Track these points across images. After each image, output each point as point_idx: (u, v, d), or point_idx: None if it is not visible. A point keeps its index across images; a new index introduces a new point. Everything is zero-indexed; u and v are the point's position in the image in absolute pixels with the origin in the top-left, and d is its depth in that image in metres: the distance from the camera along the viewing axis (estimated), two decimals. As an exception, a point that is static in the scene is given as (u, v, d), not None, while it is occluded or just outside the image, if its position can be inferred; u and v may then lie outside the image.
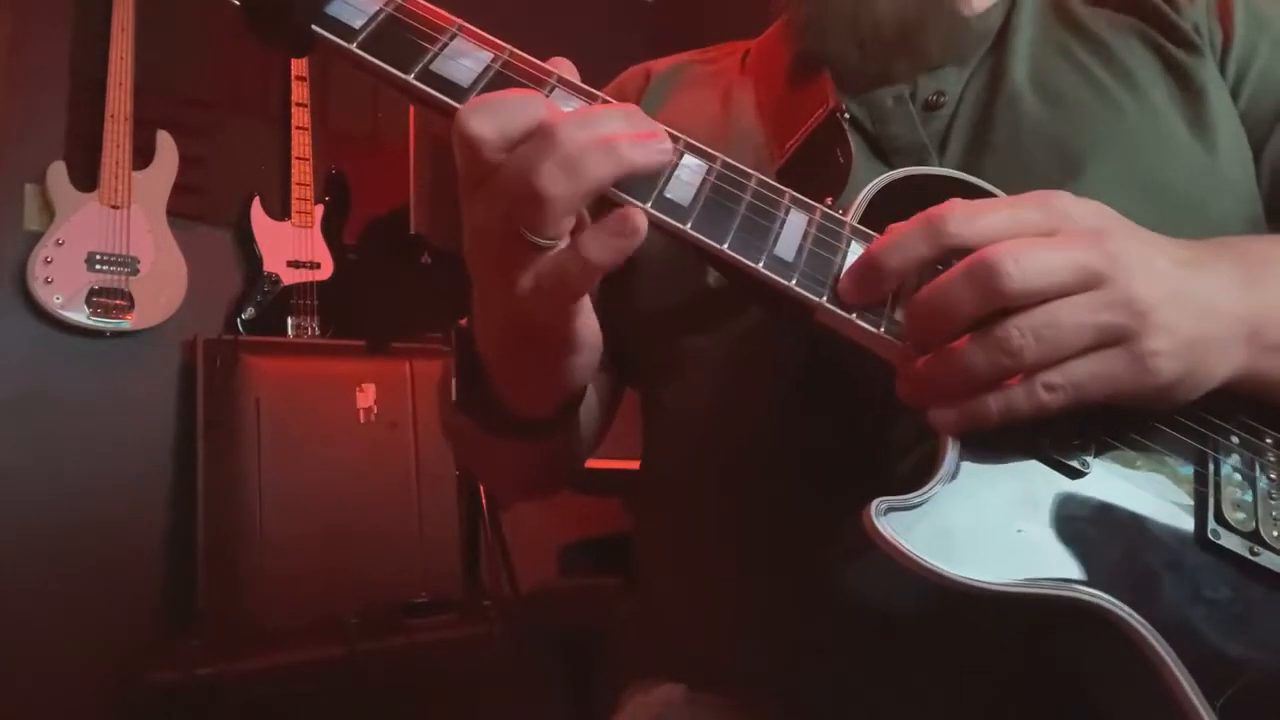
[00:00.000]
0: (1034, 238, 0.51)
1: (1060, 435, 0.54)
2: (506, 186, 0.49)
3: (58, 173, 2.45)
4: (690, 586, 0.75)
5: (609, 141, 0.49)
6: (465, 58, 0.53)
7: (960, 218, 0.52)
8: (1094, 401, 0.51)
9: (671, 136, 0.55)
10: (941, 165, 0.72)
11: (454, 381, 0.66)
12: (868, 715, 0.63)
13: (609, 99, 0.55)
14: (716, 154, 0.56)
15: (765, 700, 0.68)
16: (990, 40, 0.76)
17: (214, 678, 1.93)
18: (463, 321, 0.64)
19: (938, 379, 0.51)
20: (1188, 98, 0.71)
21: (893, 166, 0.73)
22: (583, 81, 0.56)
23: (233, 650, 2.03)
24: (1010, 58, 0.74)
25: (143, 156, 2.57)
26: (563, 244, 0.50)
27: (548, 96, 0.53)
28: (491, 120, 0.49)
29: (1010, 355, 0.49)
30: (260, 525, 2.35)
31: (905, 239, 0.52)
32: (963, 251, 0.51)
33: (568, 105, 0.53)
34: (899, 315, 0.54)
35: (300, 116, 2.82)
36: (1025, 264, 0.49)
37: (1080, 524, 0.53)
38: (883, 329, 0.54)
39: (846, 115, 0.72)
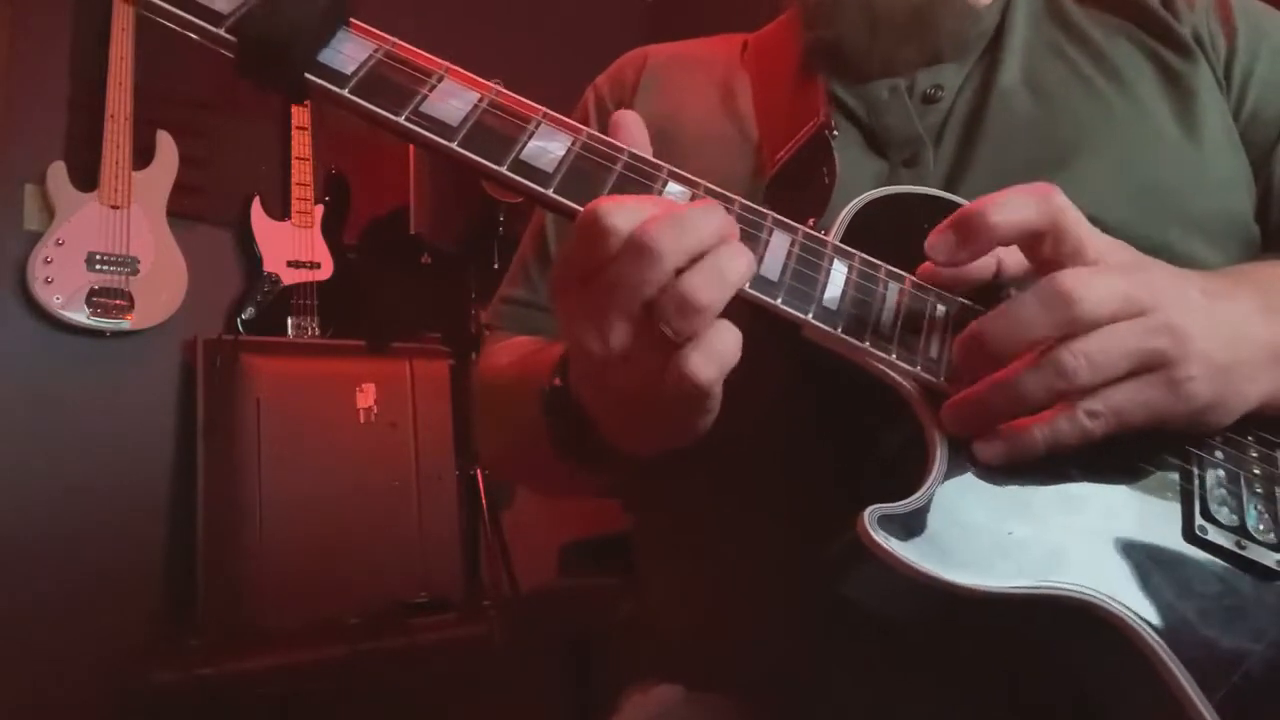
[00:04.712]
0: (1090, 267, 0.53)
1: None
2: (651, 298, 0.50)
3: (58, 173, 2.46)
4: (689, 587, 0.75)
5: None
6: (454, 98, 0.55)
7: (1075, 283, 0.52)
8: (1134, 428, 0.53)
9: (654, 165, 0.56)
10: (935, 157, 0.73)
11: (549, 434, 0.65)
12: (867, 716, 0.63)
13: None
14: (698, 180, 0.57)
15: (763, 701, 0.68)
16: (988, 39, 0.78)
17: (214, 678, 1.94)
18: (556, 381, 0.63)
19: (989, 403, 0.53)
20: (1177, 96, 0.73)
21: (888, 159, 0.75)
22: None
23: (233, 650, 2.03)
24: (1005, 56, 0.76)
25: (143, 156, 2.57)
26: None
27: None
28: (624, 217, 0.50)
29: (1065, 378, 0.51)
30: (260, 525, 2.35)
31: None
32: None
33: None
34: (884, 329, 0.56)
35: (300, 116, 2.82)
36: (1094, 290, 0.51)
37: (1070, 524, 0.54)
38: (867, 343, 0.56)
39: (834, 133, 0.73)
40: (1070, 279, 0.51)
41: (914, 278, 0.59)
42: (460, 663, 2.21)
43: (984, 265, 0.59)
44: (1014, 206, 0.54)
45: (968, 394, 0.54)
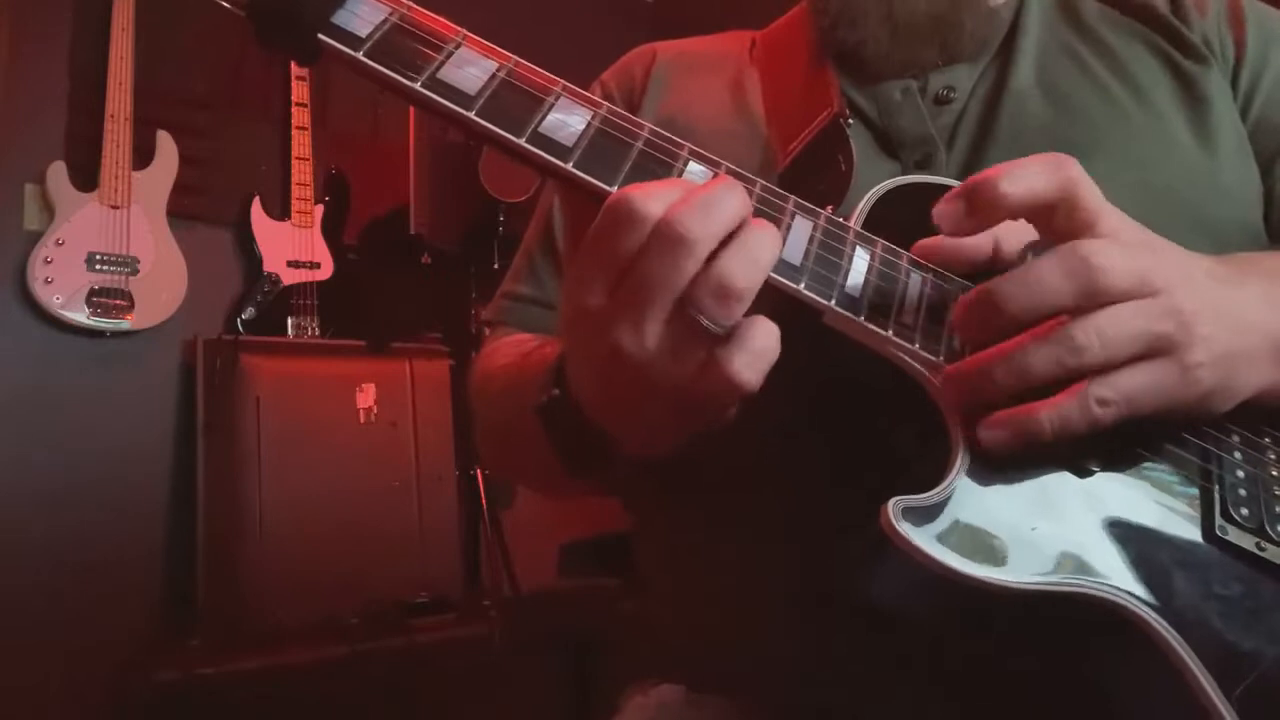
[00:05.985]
0: (1104, 240, 0.52)
1: None
2: (687, 282, 0.48)
3: (58, 173, 2.45)
4: (690, 587, 0.75)
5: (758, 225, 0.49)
6: (471, 66, 0.53)
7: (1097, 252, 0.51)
8: (1142, 415, 0.52)
9: (674, 144, 0.55)
10: (948, 158, 0.73)
11: (549, 445, 0.63)
12: (868, 715, 0.63)
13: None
14: (720, 160, 0.56)
15: (765, 702, 0.68)
16: (1000, 39, 0.78)
17: (215, 678, 1.93)
18: (554, 392, 0.61)
19: (991, 374, 0.51)
20: (1191, 104, 0.73)
21: (900, 160, 0.74)
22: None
23: (233, 650, 2.03)
24: (1018, 58, 0.76)
25: (143, 156, 2.57)
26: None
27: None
28: (658, 202, 0.48)
29: (1074, 354, 0.49)
30: (260, 525, 2.35)
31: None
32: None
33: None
34: (906, 318, 0.55)
35: (300, 116, 2.82)
36: (1116, 263, 0.50)
37: (1092, 522, 0.53)
38: (890, 331, 0.55)
39: (850, 121, 0.73)
40: (1094, 248, 0.50)
41: (936, 268, 0.58)
42: (460, 663, 2.20)
43: (979, 245, 0.57)
44: (1027, 176, 0.52)
45: (969, 362, 0.52)
